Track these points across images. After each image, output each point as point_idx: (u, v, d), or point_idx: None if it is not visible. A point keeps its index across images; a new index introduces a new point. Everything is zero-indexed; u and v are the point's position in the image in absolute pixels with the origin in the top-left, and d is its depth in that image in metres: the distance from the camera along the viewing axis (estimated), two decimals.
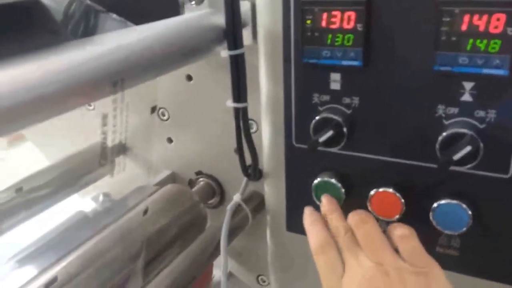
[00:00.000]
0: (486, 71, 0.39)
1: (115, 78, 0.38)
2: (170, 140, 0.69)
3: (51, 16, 0.36)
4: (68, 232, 0.66)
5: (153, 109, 0.64)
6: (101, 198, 0.72)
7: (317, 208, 0.50)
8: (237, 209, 0.60)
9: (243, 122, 0.52)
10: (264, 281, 0.71)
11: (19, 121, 0.33)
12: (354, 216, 0.42)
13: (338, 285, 0.37)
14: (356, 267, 0.38)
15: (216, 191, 0.68)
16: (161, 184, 0.67)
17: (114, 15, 0.47)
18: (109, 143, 0.47)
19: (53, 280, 0.48)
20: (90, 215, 0.71)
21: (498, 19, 0.37)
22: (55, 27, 0.35)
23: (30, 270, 0.53)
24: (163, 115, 0.67)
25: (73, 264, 0.50)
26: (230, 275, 0.74)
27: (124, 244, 0.50)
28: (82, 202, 0.75)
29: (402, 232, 0.40)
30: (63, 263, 0.48)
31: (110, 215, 0.60)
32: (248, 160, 0.57)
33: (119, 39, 0.39)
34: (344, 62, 0.45)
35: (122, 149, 0.72)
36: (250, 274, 0.72)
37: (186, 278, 0.54)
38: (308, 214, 0.46)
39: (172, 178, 0.70)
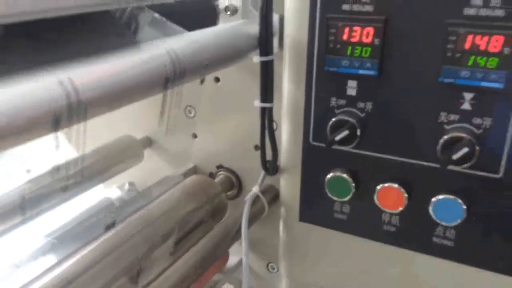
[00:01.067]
0: (484, 84, 0.44)
1: (162, 82, 0.43)
2: (195, 136, 0.75)
3: (118, 20, 0.41)
4: (95, 218, 0.71)
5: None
6: (126, 186, 0.78)
7: (328, 200, 0.56)
8: (254, 200, 0.66)
9: (268, 121, 0.57)
10: (273, 268, 0.76)
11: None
12: None
13: None
14: None
15: (235, 184, 0.73)
16: (184, 175, 0.73)
17: (156, 14, 0.48)
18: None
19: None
20: (116, 203, 0.76)
21: (497, 40, 0.43)
22: (121, 31, 0.41)
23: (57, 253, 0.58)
24: (190, 112, 0.73)
25: (105, 242, 0.54)
26: (241, 262, 0.79)
27: (158, 224, 0.55)
28: (107, 190, 0.80)
29: None
30: (97, 242, 0.52)
31: (137, 203, 0.65)
32: (268, 156, 0.62)
33: (171, 45, 0.44)
34: (361, 71, 0.50)
35: (148, 142, 0.79)
36: (260, 262, 0.77)
37: (208, 259, 0.60)
38: None
39: (194, 170, 0.76)
